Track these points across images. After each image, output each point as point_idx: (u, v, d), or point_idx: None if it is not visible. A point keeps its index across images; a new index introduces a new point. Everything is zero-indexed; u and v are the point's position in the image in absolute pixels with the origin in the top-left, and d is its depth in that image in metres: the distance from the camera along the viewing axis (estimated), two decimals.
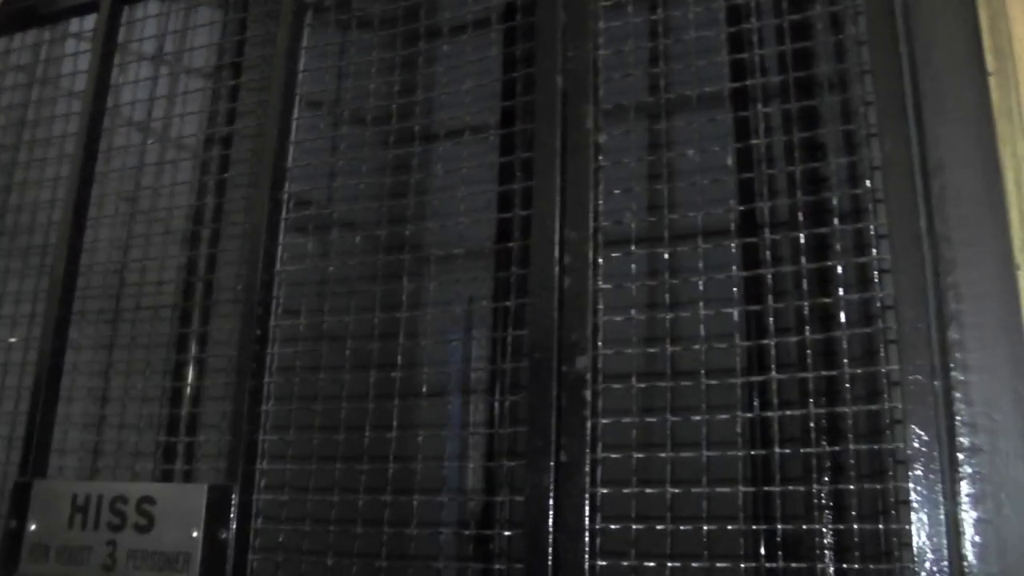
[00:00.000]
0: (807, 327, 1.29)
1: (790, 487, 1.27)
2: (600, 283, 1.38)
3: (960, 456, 1.12)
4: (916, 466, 1.14)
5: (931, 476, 1.13)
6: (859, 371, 1.25)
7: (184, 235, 2.03)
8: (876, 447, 1.24)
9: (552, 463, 1.32)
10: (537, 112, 1.49)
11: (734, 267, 1.33)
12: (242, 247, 1.78)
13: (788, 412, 1.28)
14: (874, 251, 1.27)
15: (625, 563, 1.26)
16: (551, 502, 1.31)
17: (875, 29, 1.35)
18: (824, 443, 1.34)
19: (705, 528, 1.25)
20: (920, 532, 1.12)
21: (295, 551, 1.52)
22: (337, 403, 1.57)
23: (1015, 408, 1.12)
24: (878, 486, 1.23)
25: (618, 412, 1.34)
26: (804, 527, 1.25)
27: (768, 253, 1.33)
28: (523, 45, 1.60)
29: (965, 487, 1.11)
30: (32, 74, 2.27)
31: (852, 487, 1.24)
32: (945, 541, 1.11)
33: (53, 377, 1.84)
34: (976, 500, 1.11)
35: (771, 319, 1.30)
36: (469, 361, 1.67)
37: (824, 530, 1.34)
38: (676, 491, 1.27)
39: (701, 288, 1.33)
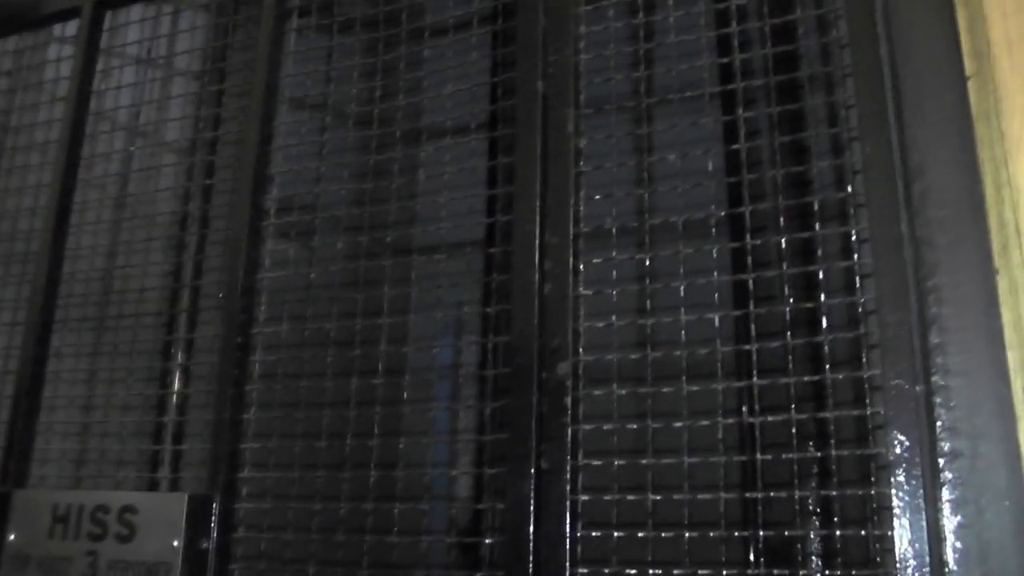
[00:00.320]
0: (789, 332, 1.28)
1: (772, 493, 1.26)
2: (581, 289, 1.38)
3: (941, 461, 1.11)
4: (898, 471, 1.13)
5: (913, 482, 1.12)
6: (840, 376, 1.25)
7: (168, 241, 2.02)
8: (859, 452, 1.23)
9: (533, 470, 1.32)
10: (518, 116, 1.49)
11: (715, 272, 1.33)
12: (224, 253, 1.77)
13: (770, 417, 1.27)
14: (856, 255, 1.26)
15: (607, 570, 1.26)
16: (532, 509, 1.30)
17: (856, 32, 1.34)
18: (808, 448, 1.34)
19: (687, 535, 1.24)
20: (902, 538, 1.11)
21: (277, 560, 1.51)
22: (320, 410, 1.56)
23: (996, 412, 1.11)
24: (860, 492, 1.23)
25: (600, 418, 1.33)
26: (787, 533, 1.24)
27: (750, 258, 1.32)
28: (504, 50, 1.59)
29: (946, 493, 1.10)
30: (15, 80, 2.26)
31: (835, 493, 1.23)
32: (927, 547, 1.10)
33: (34, 386, 1.83)
34: (957, 505, 1.10)
35: (752, 324, 1.29)
36: (454, 367, 1.66)
37: (808, 536, 1.33)
38: (657, 498, 1.26)
39: (682, 294, 1.33)
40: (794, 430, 1.25)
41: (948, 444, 1.12)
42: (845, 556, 1.29)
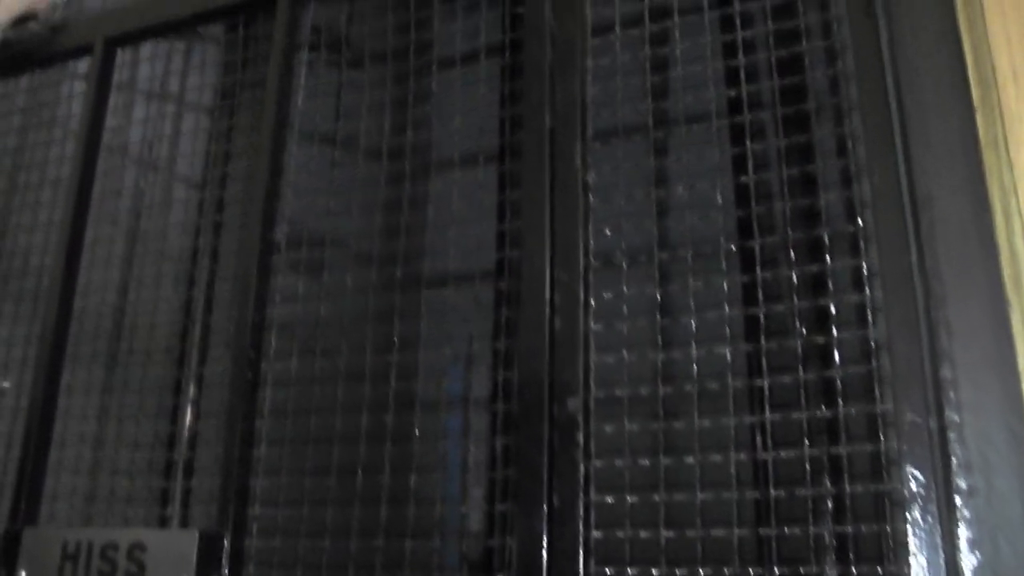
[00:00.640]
0: (801, 366, 1.27)
1: (786, 529, 1.25)
2: (592, 323, 1.37)
3: (958, 498, 1.10)
4: (914, 508, 1.12)
5: (929, 518, 1.11)
6: (853, 411, 1.24)
7: (178, 276, 2.03)
8: (874, 488, 1.22)
9: (545, 506, 1.31)
10: (525, 150, 1.49)
11: (726, 305, 1.32)
12: (234, 288, 1.77)
13: (783, 453, 1.26)
14: (867, 288, 1.26)
15: None
16: (544, 546, 1.29)
17: (862, 63, 1.34)
18: (821, 484, 1.32)
19: (701, 572, 1.22)
20: None
21: None
22: (329, 446, 1.56)
23: (1010, 447, 1.10)
24: (875, 528, 1.21)
25: (611, 454, 1.32)
26: (802, 570, 1.22)
27: (761, 291, 1.32)
28: (512, 83, 1.60)
29: (963, 530, 1.09)
30: (28, 116, 2.28)
31: (850, 529, 1.22)
32: None
33: (45, 422, 1.83)
34: (974, 544, 1.08)
35: (764, 358, 1.28)
36: (463, 402, 1.65)
37: (823, 573, 1.31)
38: (670, 534, 1.25)
39: (694, 328, 1.32)
40: (807, 465, 1.24)
41: (964, 480, 1.10)
42: None
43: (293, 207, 1.75)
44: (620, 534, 1.27)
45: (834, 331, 1.28)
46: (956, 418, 1.13)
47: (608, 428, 1.33)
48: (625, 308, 1.37)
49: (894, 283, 1.23)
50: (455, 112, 1.65)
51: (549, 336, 1.37)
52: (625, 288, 1.38)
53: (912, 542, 1.11)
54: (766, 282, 1.33)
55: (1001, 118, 1.23)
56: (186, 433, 2.00)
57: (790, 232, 1.34)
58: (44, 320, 1.92)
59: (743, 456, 1.27)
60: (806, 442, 1.24)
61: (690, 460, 1.27)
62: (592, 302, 1.38)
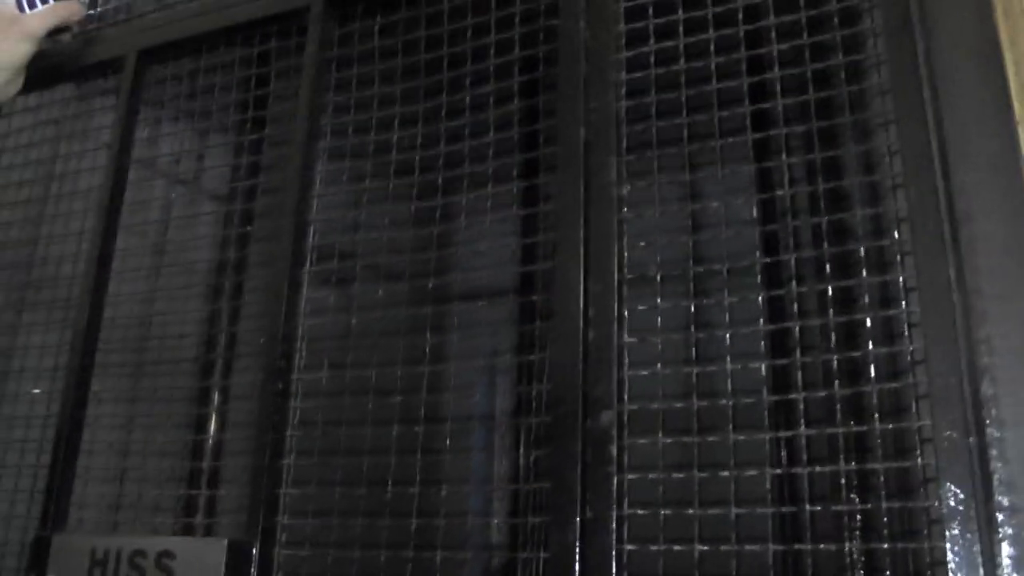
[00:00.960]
0: (836, 381, 1.26)
1: (821, 546, 1.24)
2: (626, 336, 1.37)
3: (1000, 516, 1.09)
4: (953, 525, 1.11)
5: (968, 536, 1.10)
6: (890, 426, 1.23)
7: (206, 288, 2.04)
8: (909, 505, 1.21)
9: (577, 519, 1.30)
10: (560, 164, 1.49)
11: (760, 320, 1.32)
12: (263, 300, 1.78)
13: (818, 468, 1.25)
14: (903, 303, 1.25)
15: None
16: (577, 560, 1.28)
17: (898, 77, 1.34)
18: (855, 500, 1.31)
19: None
20: None
21: None
22: (359, 457, 1.56)
23: None
24: (913, 546, 1.20)
25: (645, 468, 1.31)
26: None
27: (796, 306, 1.31)
28: (546, 96, 1.60)
29: (1005, 548, 1.08)
30: (61, 128, 2.30)
31: (886, 546, 1.21)
32: None
33: (74, 431, 1.84)
34: (1017, 562, 1.07)
35: (799, 373, 1.27)
36: (493, 415, 1.65)
37: None
38: (704, 548, 1.24)
39: (728, 342, 1.32)
40: (843, 481, 1.23)
41: (1006, 499, 1.09)
42: None
43: (322, 219, 1.76)
44: (653, 548, 1.27)
45: (870, 346, 1.27)
46: (997, 435, 1.12)
47: (642, 441, 1.32)
48: (659, 321, 1.37)
49: (932, 299, 1.22)
50: (486, 128, 1.65)
51: (583, 349, 1.37)
52: (659, 300, 1.37)
53: (951, 560, 1.10)
54: (800, 296, 1.32)
55: None
56: (211, 442, 2.02)
57: (827, 246, 1.33)
58: (74, 329, 1.93)
59: (778, 471, 1.26)
60: (842, 458, 1.23)
61: (724, 474, 1.26)
62: (626, 314, 1.38)
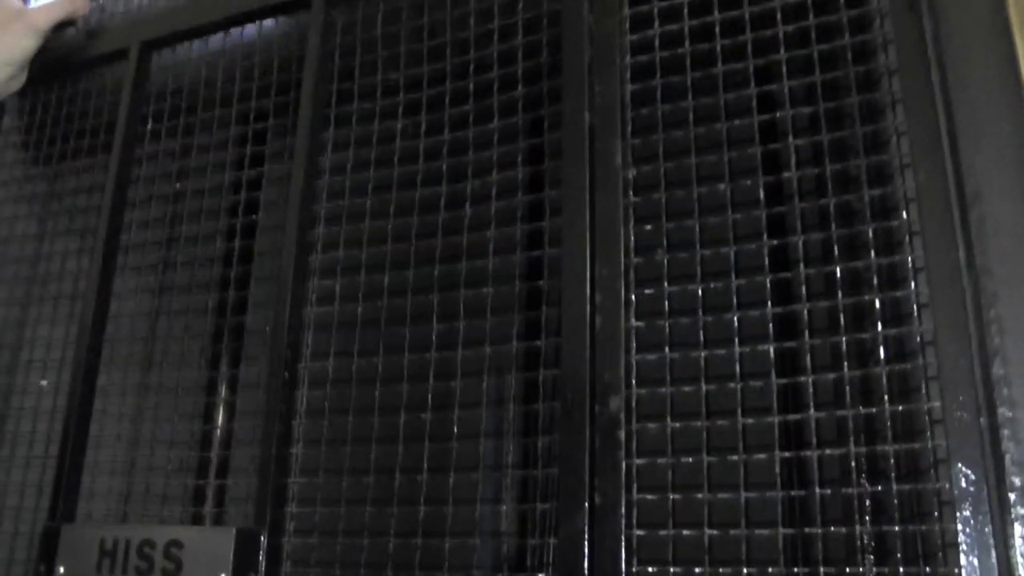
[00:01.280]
0: (845, 363, 1.26)
1: (832, 528, 1.23)
2: (633, 321, 1.36)
3: (1012, 496, 1.08)
4: (964, 507, 1.10)
5: (980, 517, 1.09)
6: (900, 408, 1.22)
7: (213, 278, 2.04)
8: (920, 487, 1.20)
9: (586, 505, 1.30)
10: (565, 148, 1.49)
11: (768, 303, 1.31)
12: (270, 289, 1.78)
13: (828, 451, 1.24)
14: (913, 285, 1.24)
15: None
16: (586, 545, 1.28)
17: (906, 57, 1.33)
18: (864, 483, 1.31)
19: (745, 571, 1.21)
20: None
21: None
22: (367, 445, 1.56)
23: None
24: (924, 528, 1.19)
25: (654, 453, 1.31)
26: (848, 570, 1.21)
27: (804, 288, 1.30)
28: (551, 81, 1.60)
29: (1018, 529, 1.07)
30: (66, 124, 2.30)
31: (897, 529, 1.20)
32: None
33: (82, 423, 1.84)
34: None
35: (808, 355, 1.27)
36: (501, 402, 1.65)
37: (870, 573, 1.30)
38: (714, 533, 1.24)
39: (735, 325, 1.31)
40: (853, 464, 1.22)
41: (1018, 479, 1.08)
42: None
43: (328, 207, 1.75)
44: (662, 533, 1.26)
45: (879, 327, 1.27)
46: (1009, 415, 1.11)
47: (650, 426, 1.32)
48: (667, 305, 1.36)
49: (941, 279, 1.21)
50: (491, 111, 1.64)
51: (590, 334, 1.36)
52: (666, 284, 1.37)
53: (963, 541, 1.09)
54: (808, 278, 1.32)
55: None
56: (219, 433, 2.02)
57: (834, 227, 1.32)
58: (81, 322, 1.93)
59: (788, 454, 1.26)
60: (852, 440, 1.23)
61: (734, 458, 1.26)
62: (633, 299, 1.37)
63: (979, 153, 1.23)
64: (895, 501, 1.20)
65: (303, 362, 1.67)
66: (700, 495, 1.26)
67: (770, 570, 1.22)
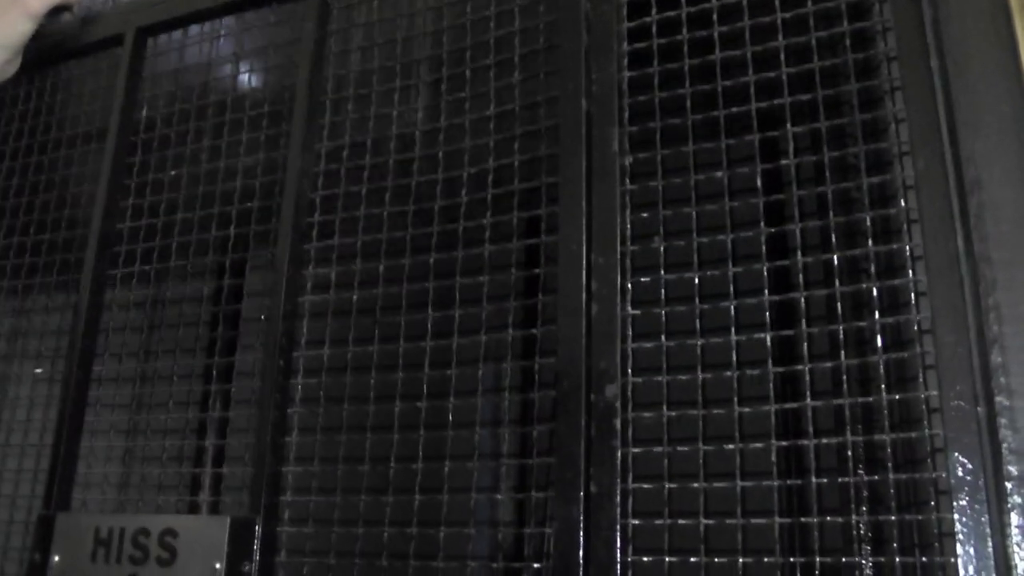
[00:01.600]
0: (842, 352, 1.25)
1: (828, 518, 1.23)
2: (629, 308, 1.36)
3: (1009, 485, 1.07)
4: (961, 496, 1.10)
5: (977, 506, 1.08)
6: (897, 397, 1.21)
7: (210, 266, 2.03)
8: (917, 476, 1.19)
9: (582, 494, 1.29)
10: (562, 136, 1.47)
11: (766, 291, 1.30)
12: (266, 278, 1.77)
13: (824, 440, 1.24)
14: (911, 272, 1.23)
15: None
16: (581, 534, 1.27)
17: (905, 44, 1.32)
18: (861, 472, 1.30)
19: (740, 560, 1.21)
20: (967, 566, 1.07)
21: None
22: (362, 434, 1.55)
23: None
24: (920, 517, 1.19)
25: (650, 441, 1.30)
26: (844, 559, 1.20)
27: (801, 276, 1.30)
28: (546, 69, 1.58)
29: (1015, 518, 1.06)
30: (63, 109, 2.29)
31: (893, 518, 1.20)
32: (994, 575, 1.06)
33: (77, 411, 1.84)
34: None
35: (805, 344, 1.26)
36: (497, 390, 1.64)
37: (863, 562, 1.29)
38: (710, 522, 1.23)
39: (732, 313, 1.30)
40: (850, 452, 1.22)
41: (1015, 468, 1.08)
42: None
43: (325, 196, 1.74)
44: (658, 522, 1.26)
45: (876, 315, 1.26)
46: (1006, 403, 1.10)
47: (646, 415, 1.31)
48: (663, 293, 1.35)
49: (939, 267, 1.20)
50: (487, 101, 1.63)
51: (586, 322, 1.35)
52: (663, 272, 1.36)
53: (960, 530, 1.09)
54: (806, 266, 1.31)
55: None
56: (215, 422, 2.01)
57: (832, 215, 1.31)
58: (77, 310, 1.92)
59: (784, 443, 1.25)
60: (848, 429, 1.22)
61: (730, 447, 1.25)
62: (630, 286, 1.36)
63: (978, 141, 1.22)
64: (892, 490, 1.20)
65: (298, 350, 1.66)
66: (696, 484, 1.25)
67: (766, 559, 1.21)
